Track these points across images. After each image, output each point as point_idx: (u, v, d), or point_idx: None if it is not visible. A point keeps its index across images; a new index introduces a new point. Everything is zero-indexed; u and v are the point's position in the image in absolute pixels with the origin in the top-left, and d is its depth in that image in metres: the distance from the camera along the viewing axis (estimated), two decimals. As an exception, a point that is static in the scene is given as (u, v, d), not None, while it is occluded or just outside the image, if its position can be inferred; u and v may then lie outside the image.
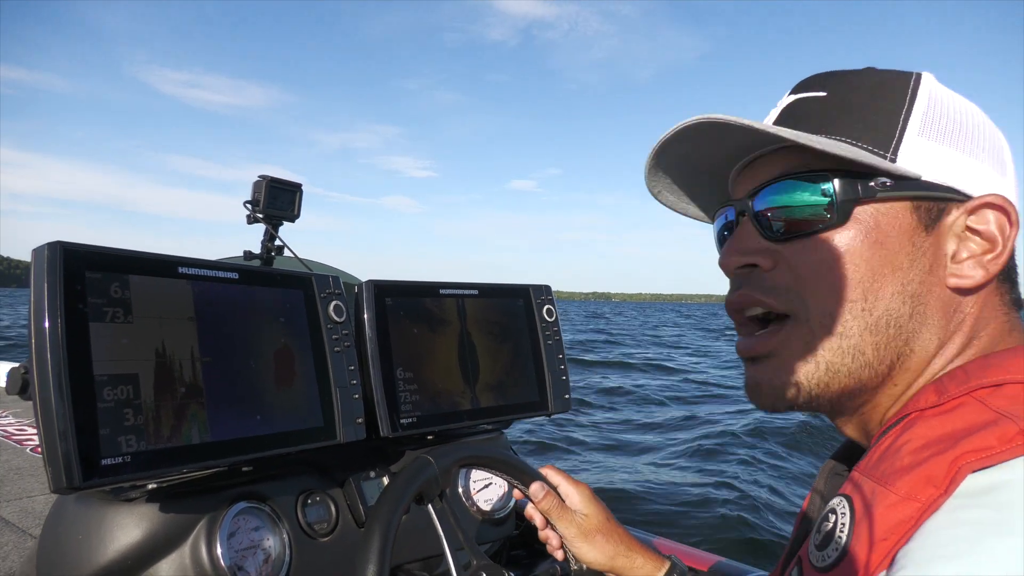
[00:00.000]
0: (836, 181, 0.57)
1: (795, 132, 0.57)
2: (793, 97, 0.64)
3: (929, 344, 0.58)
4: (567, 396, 1.39)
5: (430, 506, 0.87)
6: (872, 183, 0.57)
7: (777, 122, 0.64)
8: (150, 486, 0.86)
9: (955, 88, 0.62)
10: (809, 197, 0.59)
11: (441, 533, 0.85)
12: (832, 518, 0.55)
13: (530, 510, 1.00)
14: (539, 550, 1.44)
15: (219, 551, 0.88)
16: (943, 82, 0.62)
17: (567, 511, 0.95)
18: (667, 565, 0.93)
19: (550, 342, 1.38)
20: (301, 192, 1.42)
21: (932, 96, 0.60)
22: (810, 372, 0.59)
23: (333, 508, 1.07)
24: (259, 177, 1.37)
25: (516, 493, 1.04)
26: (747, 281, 0.63)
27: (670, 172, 0.70)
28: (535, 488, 0.96)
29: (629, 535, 0.97)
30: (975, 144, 0.59)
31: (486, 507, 1.31)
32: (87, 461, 0.72)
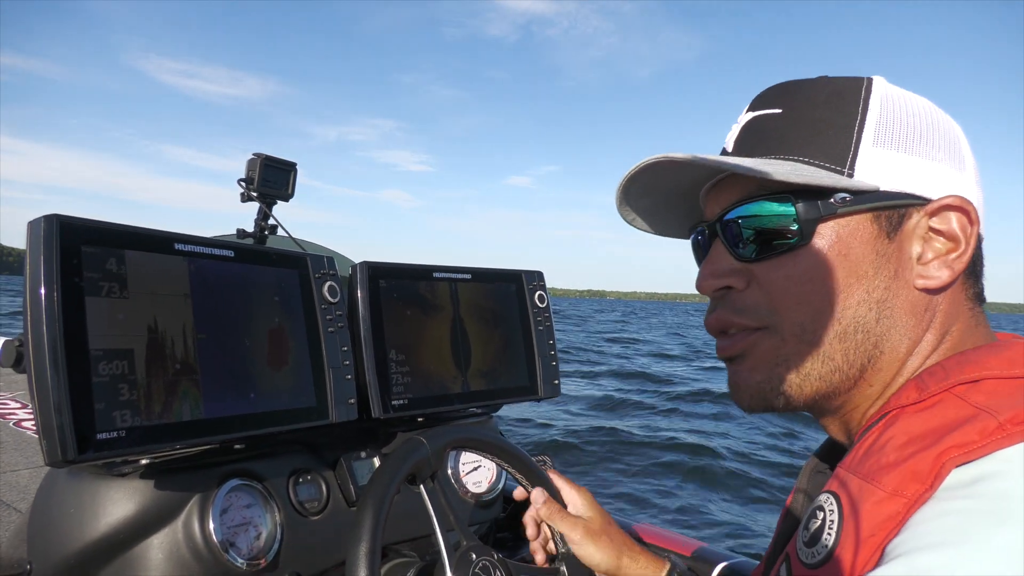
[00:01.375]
0: (798, 202, 0.59)
1: (747, 162, 0.59)
2: (751, 114, 0.66)
3: (899, 345, 0.60)
4: (556, 381, 1.40)
5: (421, 486, 0.88)
6: (832, 200, 0.58)
7: (738, 140, 0.66)
8: (143, 461, 0.86)
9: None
10: (773, 218, 0.60)
11: (432, 513, 0.86)
12: (820, 515, 0.56)
13: (527, 518, 1.01)
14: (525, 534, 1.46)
15: (211, 527, 0.89)
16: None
17: (568, 515, 0.96)
18: (668, 566, 0.94)
19: (541, 328, 1.39)
20: (295, 171, 1.41)
21: (884, 102, 0.61)
22: (782, 375, 0.61)
23: (324, 487, 1.08)
24: (253, 155, 1.36)
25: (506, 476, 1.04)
26: (722, 303, 0.65)
27: (642, 199, 0.72)
28: (536, 494, 0.97)
29: (629, 537, 0.97)
30: (929, 145, 0.60)
31: (475, 489, 1.33)
32: (82, 435, 0.72)
